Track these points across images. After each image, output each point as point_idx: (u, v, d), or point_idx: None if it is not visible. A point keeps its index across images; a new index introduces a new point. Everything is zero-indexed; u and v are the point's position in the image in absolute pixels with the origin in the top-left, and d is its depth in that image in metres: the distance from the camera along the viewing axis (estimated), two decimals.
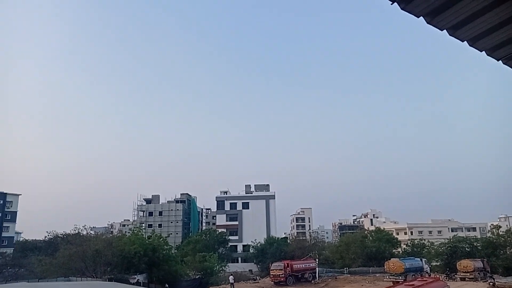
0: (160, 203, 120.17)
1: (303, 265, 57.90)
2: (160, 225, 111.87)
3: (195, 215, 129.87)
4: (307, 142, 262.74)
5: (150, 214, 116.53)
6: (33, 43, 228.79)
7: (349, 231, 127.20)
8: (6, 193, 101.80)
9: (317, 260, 63.09)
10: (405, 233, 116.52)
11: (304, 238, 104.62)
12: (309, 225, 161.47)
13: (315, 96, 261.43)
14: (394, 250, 74.26)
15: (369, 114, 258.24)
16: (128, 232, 71.73)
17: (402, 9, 4.70)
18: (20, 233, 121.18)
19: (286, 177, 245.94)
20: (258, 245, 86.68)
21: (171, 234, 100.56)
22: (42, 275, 50.81)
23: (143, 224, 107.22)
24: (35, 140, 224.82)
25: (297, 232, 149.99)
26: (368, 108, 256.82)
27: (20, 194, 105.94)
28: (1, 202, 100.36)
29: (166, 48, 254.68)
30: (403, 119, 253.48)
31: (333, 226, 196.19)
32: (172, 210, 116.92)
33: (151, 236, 60.32)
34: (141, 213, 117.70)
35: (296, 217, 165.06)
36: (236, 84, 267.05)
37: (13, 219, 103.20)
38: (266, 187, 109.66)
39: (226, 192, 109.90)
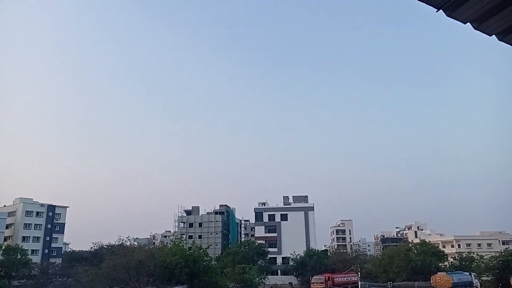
0: (200, 214, 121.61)
1: (345, 278, 56.66)
2: (200, 236, 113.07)
3: (234, 226, 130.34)
4: (346, 152, 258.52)
5: (190, 225, 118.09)
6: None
7: (392, 244, 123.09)
8: (54, 206, 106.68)
9: (359, 273, 61.56)
10: (452, 246, 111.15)
11: (345, 250, 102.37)
12: (350, 238, 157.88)
13: (355, 106, 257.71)
14: (440, 264, 71.17)
15: (408, 123, 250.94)
16: (170, 243, 73.07)
17: (448, 15, 4.58)
18: (68, 244, 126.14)
19: (325, 188, 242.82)
20: (298, 257, 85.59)
21: (211, 245, 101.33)
22: (88, 285, 52.61)
23: (184, 235, 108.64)
24: (81, 155, 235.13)
25: (337, 244, 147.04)
26: (408, 117, 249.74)
27: (68, 207, 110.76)
28: (50, 214, 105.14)
29: (209, 68, 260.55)
30: (447, 128, 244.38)
31: (375, 239, 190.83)
32: (211, 221, 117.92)
33: (191, 247, 60.99)
34: (181, 224, 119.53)
35: (336, 229, 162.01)
36: (273, 96, 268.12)
37: (61, 231, 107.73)
38: (304, 198, 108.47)
39: (264, 204, 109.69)
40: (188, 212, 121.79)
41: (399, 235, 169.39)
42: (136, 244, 66.28)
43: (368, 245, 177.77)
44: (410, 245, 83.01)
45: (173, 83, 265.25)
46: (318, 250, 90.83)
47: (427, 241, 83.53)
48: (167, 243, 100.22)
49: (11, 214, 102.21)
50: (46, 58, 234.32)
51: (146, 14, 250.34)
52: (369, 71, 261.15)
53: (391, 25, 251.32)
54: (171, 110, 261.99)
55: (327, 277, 54.15)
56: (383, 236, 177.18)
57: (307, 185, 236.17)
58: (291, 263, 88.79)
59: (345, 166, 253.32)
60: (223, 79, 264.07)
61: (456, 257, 79.02)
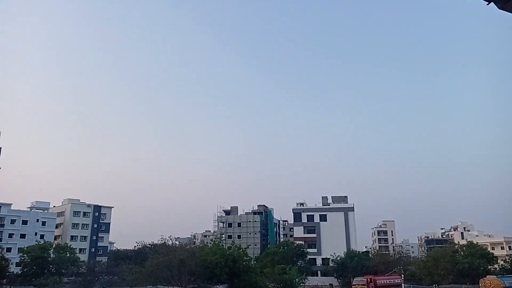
0: (239, 214, 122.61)
1: (388, 280, 55.21)
2: (239, 236, 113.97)
3: (272, 226, 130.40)
4: (386, 152, 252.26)
5: (230, 225, 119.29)
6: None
7: (437, 245, 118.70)
8: (100, 206, 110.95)
9: (402, 275, 59.83)
10: (502, 248, 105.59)
11: (387, 252, 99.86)
12: (392, 239, 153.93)
13: (397, 105, 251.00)
14: (490, 267, 67.81)
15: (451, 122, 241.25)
16: (210, 243, 74.12)
17: (499, 8, 4.40)
18: (113, 243, 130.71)
19: (365, 189, 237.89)
20: (338, 258, 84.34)
21: (250, 245, 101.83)
22: (133, 283, 54.33)
23: (223, 235, 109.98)
24: (125, 156, 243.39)
25: (379, 246, 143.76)
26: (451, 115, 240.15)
27: (113, 207, 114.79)
28: (97, 214, 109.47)
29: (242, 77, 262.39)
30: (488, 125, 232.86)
31: (418, 240, 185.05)
32: (250, 221, 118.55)
33: (231, 247, 61.53)
34: (221, 224, 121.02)
35: (377, 230, 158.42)
36: (313, 96, 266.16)
37: (107, 230, 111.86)
38: (344, 199, 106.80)
39: (302, 204, 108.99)
40: (227, 212, 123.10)
41: (444, 236, 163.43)
42: (178, 243, 67.70)
43: (412, 247, 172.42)
44: (456, 246, 79.67)
45: (220, 88, 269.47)
46: (359, 251, 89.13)
47: (475, 242, 79.84)
48: (207, 242, 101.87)
49: (60, 214, 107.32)
50: (94, 59, 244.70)
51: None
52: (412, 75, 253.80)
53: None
54: (214, 113, 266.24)
55: (369, 279, 52.93)
56: (427, 237, 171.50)
57: (346, 186, 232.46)
58: (331, 264, 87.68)
59: (386, 167, 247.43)
60: (266, 86, 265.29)
61: (507, 260, 75.03)
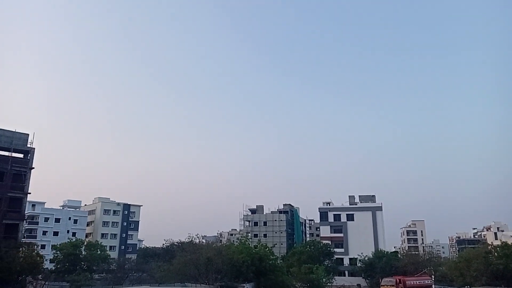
0: (264, 213, 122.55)
1: (417, 281, 53.90)
2: (265, 235, 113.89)
3: (298, 226, 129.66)
4: (415, 151, 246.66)
5: (255, 224, 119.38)
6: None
7: (470, 246, 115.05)
8: (129, 204, 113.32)
9: (433, 276, 58.34)
10: None
11: (416, 252, 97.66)
12: (422, 239, 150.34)
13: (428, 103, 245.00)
14: None
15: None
16: (236, 241, 74.32)
17: None
18: (142, 240, 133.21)
19: (394, 188, 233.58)
20: (366, 258, 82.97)
21: (276, 244, 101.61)
22: (161, 280, 55.06)
23: (249, 234, 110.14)
24: (153, 155, 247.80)
25: (408, 246, 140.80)
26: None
27: (141, 205, 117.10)
28: (126, 212, 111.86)
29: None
30: None
31: (449, 240, 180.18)
32: (276, 220, 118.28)
33: (257, 245, 61.45)
34: (246, 223, 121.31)
35: (406, 230, 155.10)
36: (340, 95, 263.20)
37: (136, 228, 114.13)
38: (371, 198, 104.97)
39: (328, 203, 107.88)
40: (253, 211, 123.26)
41: (476, 236, 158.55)
42: (204, 241, 68.26)
43: (442, 247, 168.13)
44: (489, 247, 76.86)
45: (248, 89, 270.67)
46: (387, 252, 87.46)
47: (510, 243, 76.81)
48: (233, 241, 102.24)
49: (91, 212, 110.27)
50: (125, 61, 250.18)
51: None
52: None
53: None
54: (241, 114, 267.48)
55: (398, 280, 51.83)
56: (459, 237, 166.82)
57: (374, 185, 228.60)
58: (359, 264, 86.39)
59: (416, 166, 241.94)
60: (294, 87, 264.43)
61: None
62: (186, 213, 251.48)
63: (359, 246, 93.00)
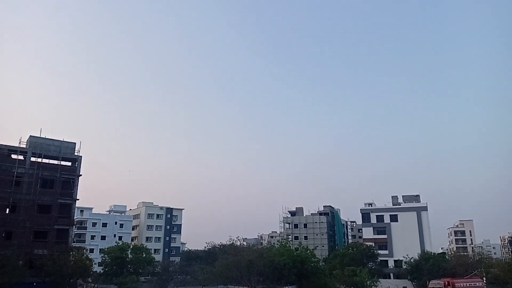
0: (304, 215, 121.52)
1: (467, 283, 51.50)
2: (305, 237, 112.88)
3: (340, 227, 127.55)
4: (460, 149, 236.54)
5: (295, 226, 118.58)
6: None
7: None
8: (172, 208, 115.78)
9: (484, 278, 55.51)
10: None
11: (465, 253, 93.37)
12: (471, 239, 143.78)
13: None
14: None
15: None
16: (276, 244, 74.14)
17: None
18: (185, 243, 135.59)
19: (439, 187, 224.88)
20: (412, 260, 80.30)
21: (317, 246, 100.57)
22: (204, 282, 55.91)
23: (289, 236, 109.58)
24: (194, 160, 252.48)
25: (456, 246, 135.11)
26: None
27: (183, 209, 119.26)
28: (169, 216, 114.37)
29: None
30: None
31: (501, 240, 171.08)
32: (316, 222, 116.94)
33: (298, 248, 61.02)
34: (286, 225, 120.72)
35: (454, 230, 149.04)
36: (387, 90, 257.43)
37: (178, 231, 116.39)
38: (416, 198, 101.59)
39: (370, 204, 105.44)
40: (292, 213, 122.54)
41: None
42: (245, 244, 68.64)
43: (493, 247, 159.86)
44: None
45: (288, 95, 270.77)
46: (434, 253, 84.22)
47: None
48: (274, 243, 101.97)
49: (136, 216, 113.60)
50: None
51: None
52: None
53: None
54: (283, 117, 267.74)
55: (446, 282, 49.77)
56: None
57: (418, 184, 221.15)
58: (405, 266, 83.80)
59: (462, 164, 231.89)
60: (334, 92, 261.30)
61: None
62: (226, 216, 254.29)
63: (404, 247, 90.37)
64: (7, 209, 49.79)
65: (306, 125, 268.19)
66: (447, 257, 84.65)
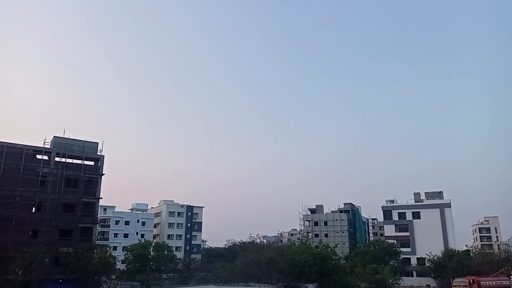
0: (324, 213, 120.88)
1: (493, 282, 50.36)
2: (326, 235, 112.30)
3: (361, 225, 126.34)
4: (484, 143, 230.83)
5: (316, 223, 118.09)
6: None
7: None
8: (192, 206, 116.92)
9: (511, 277, 54.09)
10: None
11: (491, 251, 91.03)
12: (496, 236, 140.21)
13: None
14: None
15: None
16: (297, 241, 73.93)
17: None
18: (205, 241, 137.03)
19: (463, 183, 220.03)
20: (435, 258, 78.92)
21: (338, 244, 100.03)
22: (225, 280, 56.20)
23: (310, 234, 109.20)
24: (213, 157, 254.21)
25: (481, 244, 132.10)
26: None
27: (203, 206, 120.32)
28: (189, 214, 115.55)
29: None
30: None
31: None
32: (336, 220, 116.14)
33: (318, 245, 60.74)
34: (307, 223, 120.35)
35: (478, 227, 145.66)
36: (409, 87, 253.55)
37: (199, 229, 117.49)
38: (438, 194, 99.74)
39: (392, 201, 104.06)
40: (312, 211, 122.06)
41: None
42: (265, 241, 68.76)
43: None
44: None
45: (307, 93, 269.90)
46: (458, 250, 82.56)
47: None
48: (294, 241, 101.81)
49: (158, 214, 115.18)
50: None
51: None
52: None
53: None
54: (303, 114, 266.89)
55: (471, 280, 48.75)
56: None
57: (441, 180, 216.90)
58: (428, 264, 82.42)
59: (486, 159, 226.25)
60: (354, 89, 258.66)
61: None
62: (246, 213, 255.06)
63: (427, 245, 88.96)
64: (33, 208, 51.18)
65: (327, 122, 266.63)
66: (471, 254, 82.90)
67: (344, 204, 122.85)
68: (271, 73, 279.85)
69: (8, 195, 48.44)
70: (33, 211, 51.07)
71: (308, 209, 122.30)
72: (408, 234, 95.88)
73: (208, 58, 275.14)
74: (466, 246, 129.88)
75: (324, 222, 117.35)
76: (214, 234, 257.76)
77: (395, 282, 62.28)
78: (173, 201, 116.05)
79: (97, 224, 58.24)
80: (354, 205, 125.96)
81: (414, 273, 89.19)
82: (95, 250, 51.85)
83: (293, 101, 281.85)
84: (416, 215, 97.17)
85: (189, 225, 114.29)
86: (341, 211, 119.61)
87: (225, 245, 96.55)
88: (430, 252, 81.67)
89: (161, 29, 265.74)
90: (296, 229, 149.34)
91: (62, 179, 52.77)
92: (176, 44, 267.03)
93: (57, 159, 53.41)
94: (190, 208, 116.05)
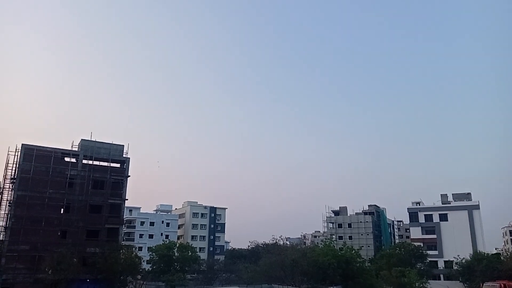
0: (348, 214, 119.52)
1: None
2: (350, 237, 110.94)
3: (386, 227, 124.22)
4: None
5: (339, 226, 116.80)
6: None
7: None
8: (215, 207, 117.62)
9: None
10: None
11: None
12: None
13: None
14: None
15: None
16: (320, 244, 73.40)
17: None
18: (228, 242, 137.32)
19: (492, 184, 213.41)
20: (463, 261, 76.76)
21: (362, 246, 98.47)
22: (249, 281, 56.29)
23: (333, 236, 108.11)
24: (237, 158, 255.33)
25: None
26: None
27: (226, 208, 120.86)
28: (213, 215, 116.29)
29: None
30: None
31: None
32: (361, 222, 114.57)
33: (342, 248, 60.06)
34: (330, 225, 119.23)
35: (509, 230, 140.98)
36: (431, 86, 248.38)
37: (222, 230, 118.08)
38: (466, 196, 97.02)
39: (418, 203, 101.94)
40: (336, 213, 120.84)
41: None
42: (288, 243, 68.57)
43: None
44: None
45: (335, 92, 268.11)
46: (487, 254, 79.98)
47: None
48: (317, 243, 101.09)
49: (181, 216, 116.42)
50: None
51: None
52: None
53: None
54: (326, 113, 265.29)
55: (502, 285, 47.13)
56: None
57: (469, 181, 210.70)
58: (456, 267, 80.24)
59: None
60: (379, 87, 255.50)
61: None
62: (269, 215, 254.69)
63: (455, 248, 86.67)
64: (62, 209, 52.63)
65: (351, 123, 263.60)
66: (502, 258, 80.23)
67: (369, 206, 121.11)
68: (298, 77, 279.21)
69: (38, 196, 50.02)
70: (62, 212, 52.50)
71: (331, 211, 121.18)
72: (435, 237, 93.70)
73: (233, 59, 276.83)
74: (496, 249, 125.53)
75: (348, 224, 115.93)
76: (237, 236, 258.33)
77: (422, 285, 60.89)
78: (197, 202, 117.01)
79: (123, 225, 59.35)
80: (378, 207, 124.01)
81: (441, 276, 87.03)
82: (121, 251, 52.84)
83: (317, 105, 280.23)
84: (443, 217, 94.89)
85: (212, 226, 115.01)
86: (365, 213, 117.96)
87: (248, 246, 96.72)
88: (458, 255, 79.47)
89: (194, 28, 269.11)
90: (319, 231, 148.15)
91: (89, 181, 54.09)
92: (201, 44, 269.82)
93: (84, 161, 54.79)
94: (213, 209, 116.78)
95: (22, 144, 51.10)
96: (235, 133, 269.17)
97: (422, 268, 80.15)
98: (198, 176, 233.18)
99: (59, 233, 51.32)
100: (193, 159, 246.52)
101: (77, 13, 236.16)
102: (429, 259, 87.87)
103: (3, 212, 50.53)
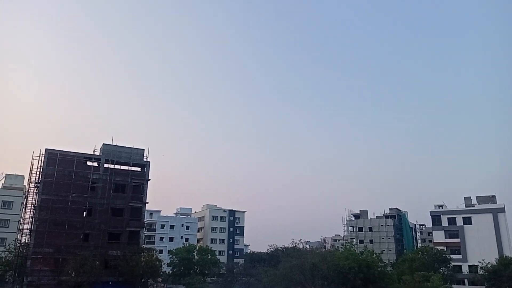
0: (369, 218, 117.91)
1: None
2: (371, 241, 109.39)
3: (408, 231, 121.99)
4: None
5: (360, 229, 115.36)
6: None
7: None
8: (234, 211, 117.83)
9: None
10: None
11: None
12: None
13: None
14: None
15: None
16: (340, 247, 72.48)
17: None
18: (248, 245, 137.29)
19: None
20: (489, 266, 74.67)
21: (384, 250, 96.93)
22: (269, 284, 55.93)
23: (354, 239, 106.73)
24: (256, 162, 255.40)
25: None
26: None
27: (245, 211, 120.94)
28: (232, 218, 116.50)
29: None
30: None
31: None
32: (382, 225, 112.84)
33: (363, 252, 59.12)
34: (350, 228, 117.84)
35: None
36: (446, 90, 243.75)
37: (241, 233, 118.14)
38: (491, 198, 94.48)
39: (441, 206, 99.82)
40: (356, 216, 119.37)
41: None
42: (308, 247, 67.94)
43: None
44: None
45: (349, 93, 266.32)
46: None
47: None
48: (337, 247, 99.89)
49: (201, 219, 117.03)
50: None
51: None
52: None
53: None
54: (344, 116, 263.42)
55: None
56: None
57: (494, 184, 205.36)
58: (481, 272, 78.08)
59: None
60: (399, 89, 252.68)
61: None
62: (289, 218, 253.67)
63: (480, 252, 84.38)
64: (84, 213, 53.58)
65: (372, 127, 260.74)
66: None
67: (390, 209, 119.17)
68: (319, 79, 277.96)
69: (61, 200, 51.08)
70: (84, 215, 53.43)
71: (352, 214, 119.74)
72: (459, 241, 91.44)
73: (250, 63, 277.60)
74: None
75: (369, 227, 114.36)
76: (256, 239, 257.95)
77: None
78: (216, 205, 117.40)
79: (144, 228, 59.97)
80: (400, 210, 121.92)
81: (466, 281, 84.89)
82: (142, 254, 53.39)
83: (338, 109, 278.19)
84: (467, 221, 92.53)
85: (231, 229, 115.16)
86: (386, 216, 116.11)
87: (268, 250, 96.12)
88: (483, 260, 77.37)
89: (211, 33, 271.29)
90: (339, 235, 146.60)
91: (111, 184, 54.96)
92: (217, 48, 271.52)
93: (106, 165, 55.69)
94: (232, 212, 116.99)
95: (46, 149, 52.29)
96: (254, 136, 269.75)
97: (445, 273, 78.38)
98: (217, 179, 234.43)
99: (81, 236, 52.21)
100: (212, 162, 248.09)
101: (99, 20, 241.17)
102: (453, 263, 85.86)
103: (28, 215, 51.76)
